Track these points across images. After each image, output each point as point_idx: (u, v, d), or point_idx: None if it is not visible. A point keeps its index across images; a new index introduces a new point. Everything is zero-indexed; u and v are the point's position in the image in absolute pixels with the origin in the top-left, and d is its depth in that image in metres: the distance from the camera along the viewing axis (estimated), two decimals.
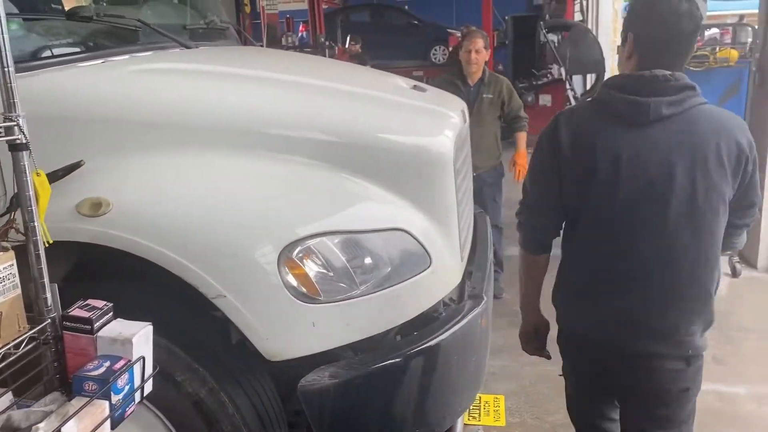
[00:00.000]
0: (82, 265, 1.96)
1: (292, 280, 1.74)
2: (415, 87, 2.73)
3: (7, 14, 2.06)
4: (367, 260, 1.87)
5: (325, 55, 9.19)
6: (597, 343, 1.88)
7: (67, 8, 2.25)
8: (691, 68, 4.23)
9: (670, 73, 1.68)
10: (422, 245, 1.97)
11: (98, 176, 1.78)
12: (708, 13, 9.61)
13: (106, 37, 2.41)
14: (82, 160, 1.74)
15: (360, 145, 1.97)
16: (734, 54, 4.20)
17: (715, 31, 4.42)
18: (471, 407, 3.05)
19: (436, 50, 15.29)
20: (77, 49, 2.17)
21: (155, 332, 1.75)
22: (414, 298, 1.96)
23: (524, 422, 2.97)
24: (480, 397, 3.15)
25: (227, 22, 3.30)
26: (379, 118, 2.13)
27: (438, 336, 1.99)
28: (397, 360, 1.90)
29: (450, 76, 4.24)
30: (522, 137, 4.36)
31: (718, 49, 4.22)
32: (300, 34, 14.21)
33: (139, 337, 1.22)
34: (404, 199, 1.98)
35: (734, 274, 4.62)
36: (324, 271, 1.79)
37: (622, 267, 1.77)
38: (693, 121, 1.68)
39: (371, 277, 1.85)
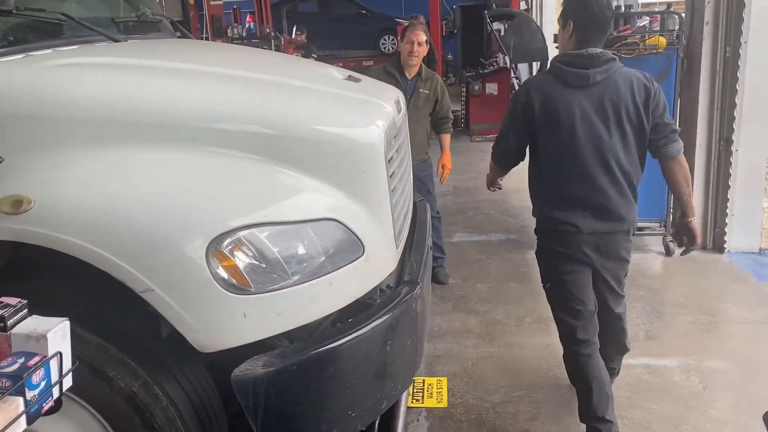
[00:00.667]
0: (16, 262, 1.93)
1: (222, 272, 1.75)
2: (349, 77, 2.75)
3: None
4: (300, 250, 1.89)
5: (270, 47, 9.12)
6: (574, 227, 2.60)
7: None
8: (622, 55, 4.35)
9: (600, 50, 2.52)
10: (355, 234, 2.00)
11: (19, 174, 1.75)
12: (640, 1, 9.88)
13: (28, 31, 2.36)
14: (1, 158, 1.71)
15: (291, 137, 1.99)
16: (663, 41, 4.34)
17: (645, 19, 4.55)
18: (414, 390, 3.12)
19: (385, 40, 15.33)
20: None
21: (86, 328, 1.77)
22: (348, 286, 1.99)
23: (466, 402, 3.04)
24: (423, 381, 3.21)
25: (160, 14, 3.26)
26: (310, 109, 2.15)
27: (372, 322, 2.03)
28: (331, 347, 1.93)
29: (390, 68, 4.26)
30: (447, 139, 4.47)
31: (647, 36, 4.35)
32: (247, 25, 14.01)
33: (55, 333, 1.22)
34: (336, 189, 2.01)
35: (668, 252, 4.80)
36: (254, 262, 1.80)
37: (583, 182, 2.56)
38: (615, 81, 2.50)
39: (304, 267, 1.87)
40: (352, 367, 2.01)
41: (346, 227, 1.98)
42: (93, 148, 1.80)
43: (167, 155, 1.85)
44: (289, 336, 1.99)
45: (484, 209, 6.22)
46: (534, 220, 2.82)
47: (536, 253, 2.84)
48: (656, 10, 5.13)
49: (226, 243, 1.76)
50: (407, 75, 4.18)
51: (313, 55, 10.01)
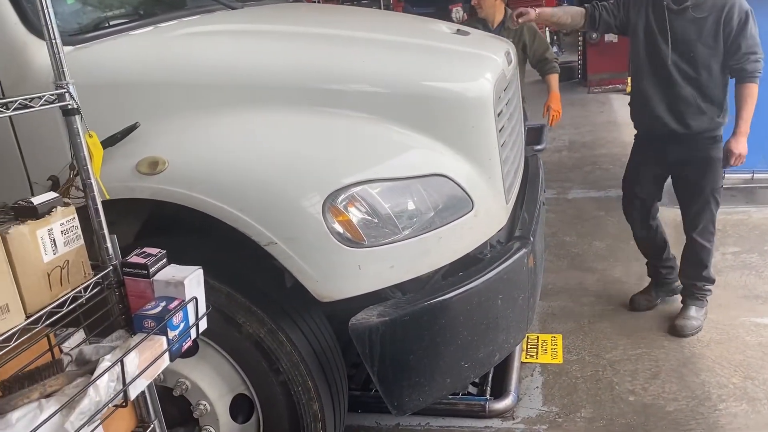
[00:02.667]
0: (155, 220, 2.13)
1: (338, 227, 1.83)
2: (458, 31, 2.73)
3: None
4: (410, 206, 1.94)
5: (380, 5, 9.13)
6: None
7: None
8: None
9: None
10: (464, 190, 2.01)
11: (154, 137, 1.90)
12: None
13: (155, 4, 2.53)
14: (137, 122, 1.87)
15: (400, 95, 2.02)
16: None
17: None
18: (528, 347, 3.12)
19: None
20: (128, 19, 2.30)
21: (218, 279, 1.92)
22: (457, 241, 2.02)
23: (582, 359, 3.00)
24: (538, 337, 3.20)
25: None
26: (417, 66, 2.16)
27: (481, 276, 2.06)
28: (442, 299, 1.98)
29: (473, 21, 4.22)
30: (553, 79, 4.24)
31: None
32: None
33: (190, 280, 1.34)
34: (445, 145, 2.03)
35: None
36: (367, 217, 1.87)
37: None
38: None
39: (414, 222, 1.92)
40: (464, 319, 2.05)
41: (456, 183, 2.00)
42: (219, 111, 1.92)
43: (286, 116, 1.95)
44: (401, 288, 2.07)
45: (603, 164, 5.97)
46: None
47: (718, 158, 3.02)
48: None
49: (340, 199, 1.84)
50: (490, 25, 4.10)
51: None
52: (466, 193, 2.00)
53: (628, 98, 3.23)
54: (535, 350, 3.11)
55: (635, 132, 3.22)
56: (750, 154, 4.42)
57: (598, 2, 3.12)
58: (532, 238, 2.32)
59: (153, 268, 1.33)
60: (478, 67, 2.25)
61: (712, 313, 3.23)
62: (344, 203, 1.85)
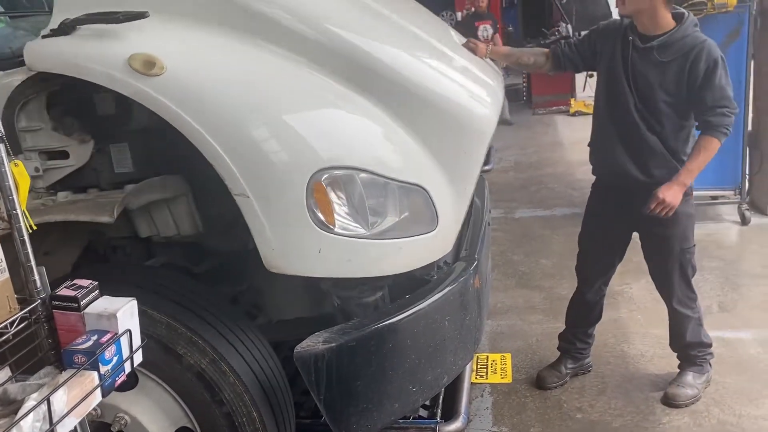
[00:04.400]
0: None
1: (314, 204, 1.77)
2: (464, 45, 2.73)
3: None
4: (385, 207, 1.90)
5: None
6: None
7: None
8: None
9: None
10: (435, 208, 1.99)
11: (160, 35, 1.79)
12: None
13: None
14: (147, 12, 1.73)
15: (418, 97, 1.97)
16: None
17: None
18: (478, 367, 3.13)
19: (443, 15, 15.09)
20: None
21: (157, 309, 1.86)
22: (413, 255, 2.01)
23: (531, 378, 3.03)
24: (487, 357, 3.22)
25: None
26: (445, 78, 2.14)
27: (429, 298, 2.05)
28: (389, 322, 1.96)
29: None
30: None
31: None
32: None
33: (124, 312, 1.29)
34: (435, 161, 1.99)
35: (743, 221, 4.59)
36: (345, 204, 1.83)
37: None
38: None
39: (382, 224, 1.89)
40: (411, 343, 2.03)
41: (431, 199, 1.97)
42: (242, 38, 1.84)
43: (310, 77, 1.88)
44: (345, 313, 2.06)
45: (548, 183, 6.11)
46: None
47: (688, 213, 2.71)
48: None
49: (328, 177, 1.78)
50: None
51: None
52: (436, 213, 1.99)
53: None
54: (485, 370, 3.12)
55: (593, 178, 2.89)
56: (704, 173, 4.63)
57: (561, 41, 2.93)
58: (477, 259, 2.34)
59: (84, 301, 1.28)
60: (491, 97, 2.26)
61: (655, 329, 3.30)
62: (330, 183, 1.79)
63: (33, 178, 2.08)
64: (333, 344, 1.89)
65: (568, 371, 3.00)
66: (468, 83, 2.22)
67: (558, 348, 3.07)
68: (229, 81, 1.79)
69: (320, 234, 1.77)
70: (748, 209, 4.56)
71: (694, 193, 4.61)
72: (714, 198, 4.82)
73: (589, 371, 3.05)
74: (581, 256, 2.98)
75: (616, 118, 2.67)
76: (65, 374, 1.19)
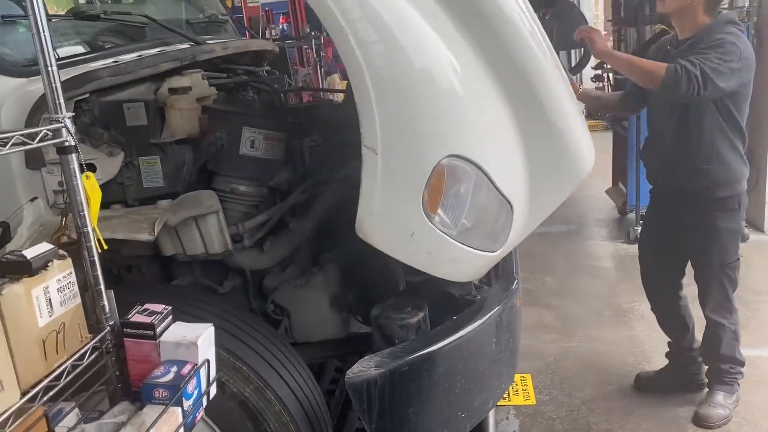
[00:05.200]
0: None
1: (430, 186, 1.68)
2: None
3: (16, 16, 2.03)
4: (476, 210, 1.80)
5: (311, 46, 9.08)
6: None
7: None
8: None
9: None
10: (509, 230, 1.91)
11: None
12: None
13: (113, 35, 2.35)
14: None
15: (551, 124, 1.83)
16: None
17: None
18: None
19: None
20: (86, 50, 2.12)
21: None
22: (469, 268, 1.94)
23: (555, 399, 2.96)
24: None
25: (226, 14, 3.25)
26: (573, 113, 1.96)
27: (479, 319, 1.97)
28: (442, 345, 1.87)
29: None
30: None
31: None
32: (281, 26, 14.01)
33: (203, 340, 1.18)
34: (531, 186, 1.88)
35: (742, 238, 4.62)
36: (453, 197, 1.74)
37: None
38: None
39: (466, 229, 1.79)
40: (462, 366, 1.94)
41: (511, 221, 1.87)
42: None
43: (473, 65, 1.75)
44: (386, 335, 1.96)
45: None
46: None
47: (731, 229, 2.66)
48: None
49: (451, 163, 1.69)
50: None
51: None
52: (508, 234, 1.90)
53: None
54: (507, 392, 3.03)
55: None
56: None
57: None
58: (517, 278, 2.27)
59: (159, 328, 1.16)
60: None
61: None
62: (450, 171, 1.70)
63: (55, 193, 1.96)
64: (386, 369, 1.79)
65: (668, 380, 2.96)
66: (584, 127, 2.07)
67: (666, 355, 3.03)
68: (410, 35, 1.67)
69: (421, 218, 1.69)
70: (746, 226, 4.60)
71: None
72: None
73: (701, 388, 2.91)
74: (642, 267, 3.02)
75: (660, 122, 2.71)
76: (148, 411, 1.06)
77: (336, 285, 2.40)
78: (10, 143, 0.96)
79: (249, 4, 10.93)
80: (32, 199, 1.90)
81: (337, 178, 2.26)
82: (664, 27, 4.37)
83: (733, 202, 2.61)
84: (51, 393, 1.00)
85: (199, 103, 2.14)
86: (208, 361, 1.19)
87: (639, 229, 4.68)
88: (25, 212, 1.87)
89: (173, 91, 2.03)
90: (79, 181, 1.10)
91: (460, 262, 1.86)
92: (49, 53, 1.05)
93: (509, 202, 1.82)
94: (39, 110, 1.82)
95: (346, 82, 3.22)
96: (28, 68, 1.90)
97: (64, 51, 2.15)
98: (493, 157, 1.78)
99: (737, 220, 2.67)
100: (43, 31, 1.04)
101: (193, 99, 2.05)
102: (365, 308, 2.52)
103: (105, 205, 1.97)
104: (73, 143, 1.08)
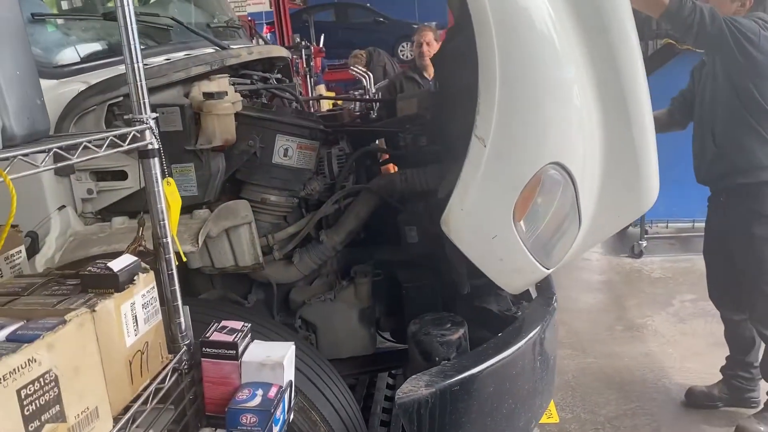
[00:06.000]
0: None
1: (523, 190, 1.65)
2: None
3: (47, 15, 1.92)
4: (554, 224, 1.77)
5: (301, 56, 9.01)
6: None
7: None
8: (697, 50, 4.23)
9: None
10: (570, 248, 1.85)
11: None
12: None
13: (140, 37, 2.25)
14: None
15: (636, 152, 1.77)
16: None
17: None
18: None
19: (403, 47, 15.22)
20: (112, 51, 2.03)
21: None
22: (525, 280, 1.92)
23: (578, 417, 2.90)
24: None
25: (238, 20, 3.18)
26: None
27: (526, 337, 1.91)
28: (491, 364, 1.80)
29: (409, 72, 4.33)
30: None
31: None
32: (265, 35, 13.94)
33: (288, 360, 1.09)
34: (596, 209, 1.83)
35: None
36: (541, 206, 1.70)
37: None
38: None
39: (536, 239, 1.75)
40: (509, 386, 1.88)
41: (575, 239, 1.83)
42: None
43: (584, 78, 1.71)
44: (425, 352, 1.89)
45: None
46: None
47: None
48: None
49: (548, 172, 1.65)
50: (427, 75, 4.18)
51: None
52: (566, 252, 1.85)
53: None
54: None
55: None
56: (691, 203, 4.67)
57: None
58: (555, 293, 2.21)
59: (241, 347, 1.07)
60: None
61: (690, 362, 3.25)
62: (545, 179, 1.66)
63: (83, 201, 1.86)
64: (436, 389, 1.72)
65: (722, 396, 2.89)
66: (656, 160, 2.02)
67: (720, 370, 2.96)
68: (545, 38, 1.65)
69: (508, 222, 1.65)
70: None
71: (694, 224, 4.83)
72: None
73: (753, 407, 2.83)
74: (708, 274, 2.98)
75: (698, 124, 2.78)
76: None
77: (366, 299, 2.33)
78: (105, 145, 0.87)
79: (237, 13, 10.81)
80: (60, 208, 1.79)
81: (370, 188, 2.20)
82: (670, 41, 4.39)
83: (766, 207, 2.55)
84: (140, 419, 0.90)
85: None
86: (291, 383, 1.10)
87: (644, 243, 4.71)
88: (53, 221, 1.76)
89: (209, 95, 1.94)
90: (160, 188, 1.01)
91: (521, 273, 1.81)
92: (135, 49, 0.97)
93: (580, 220, 1.76)
94: (70, 114, 1.73)
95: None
96: (59, 69, 1.80)
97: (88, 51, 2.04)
98: (584, 171, 1.73)
99: None
100: (131, 26, 0.96)
101: (229, 104, 1.96)
102: (395, 323, 2.46)
103: (131, 214, 1.91)
104: (157, 146, 0.99)
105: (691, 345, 3.44)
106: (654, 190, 1.88)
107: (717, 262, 2.85)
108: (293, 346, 1.12)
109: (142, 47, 2.09)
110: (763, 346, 2.78)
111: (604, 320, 3.84)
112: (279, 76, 2.99)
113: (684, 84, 4.37)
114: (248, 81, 2.55)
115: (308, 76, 9.02)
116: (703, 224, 4.70)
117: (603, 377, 3.21)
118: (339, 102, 5.69)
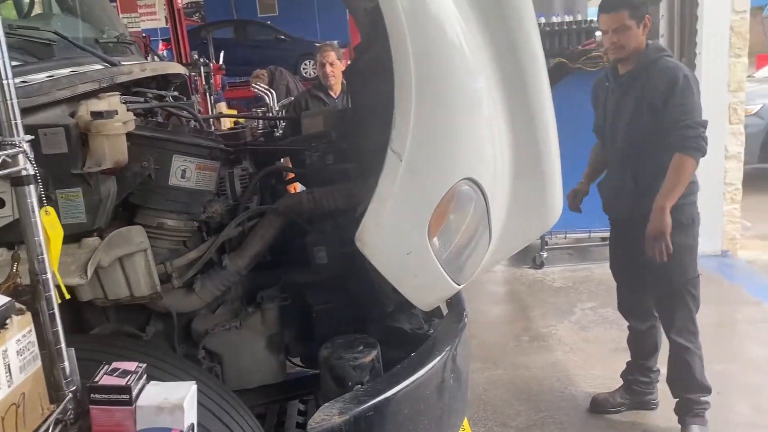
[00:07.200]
0: None
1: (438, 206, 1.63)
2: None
3: None
4: (465, 240, 1.75)
5: (200, 73, 8.77)
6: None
7: None
8: (587, 69, 4.46)
9: None
10: (480, 263, 1.84)
11: None
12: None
13: (17, 52, 2.08)
14: None
15: (540, 162, 1.80)
16: None
17: None
18: None
19: (306, 64, 15.17)
20: None
21: None
22: (437, 297, 1.91)
23: (490, 430, 2.92)
24: None
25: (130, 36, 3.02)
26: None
27: (441, 355, 1.89)
28: (405, 385, 1.77)
29: (314, 91, 4.36)
30: None
31: None
32: (161, 53, 13.48)
33: (189, 402, 1.00)
34: (511, 224, 1.85)
35: None
36: (454, 222, 1.68)
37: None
38: None
39: (449, 255, 1.73)
40: (424, 406, 1.86)
41: (486, 254, 1.83)
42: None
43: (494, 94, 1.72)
44: (338, 377, 1.84)
45: None
46: None
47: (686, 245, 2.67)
48: None
49: (461, 187, 1.64)
50: (333, 94, 4.23)
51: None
52: (476, 267, 1.84)
53: None
54: None
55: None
56: (587, 215, 4.87)
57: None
58: (466, 308, 2.22)
59: (135, 390, 0.97)
60: None
61: (594, 369, 3.36)
62: (459, 194, 1.64)
63: None
64: (350, 415, 1.66)
65: (623, 401, 2.98)
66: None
67: (620, 375, 3.04)
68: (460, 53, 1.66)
69: (422, 238, 1.62)
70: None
71: (590, 234, 5.04)
72: (605, 239, 5.10)
73: (652, 409, 2.97)
74: (618, 292, 3.04)
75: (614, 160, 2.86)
76: None
77: (273, 325, 2.24)
78: None
79: (130, 29, 10.39)
80: None
81: (275, 209, 2.12)
82: (562, 60, 4.60)
83: (692, 219, 2.67)
84: None
85: None
86: (193, 426, 1.01)
87: (544, 254, 4.87)
88: None
89: (97, 115, 1.80)
90: (37, 218, 0.91)
91: (435, 290, 1.80)
92: (5, 64, 0.86)
93: (491, 236, 1.77)
94: None
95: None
96: None
97: None
98: (494, 187, 1.74)
99: (692, 236, 2.68)
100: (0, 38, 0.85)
101: (120, 124, 1.83)
102: (305, 348, 2.37)
103: (12, 245, 1.73)
104: (32, 172, 0.89)
105: (593, 352, 3.56)
106: (558, 206, 1.92)
107: (626, 278, 2.94)
108: (194, 386, 1.03)
109: (19, 63, 1.95)
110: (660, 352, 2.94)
111: (512, 331, 3.91)
112: (176, 93, 2.86)
113: (577, 98, 4.59)
114: (142, 99, 2.41)
115: (208, 94, 8.81)
116: (599, 234, 5.00)
117: (513, 389, 3.26)
118: (241, 120, 5.57)
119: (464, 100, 1.66)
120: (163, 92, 2.66)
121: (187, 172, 1.98)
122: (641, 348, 2.97)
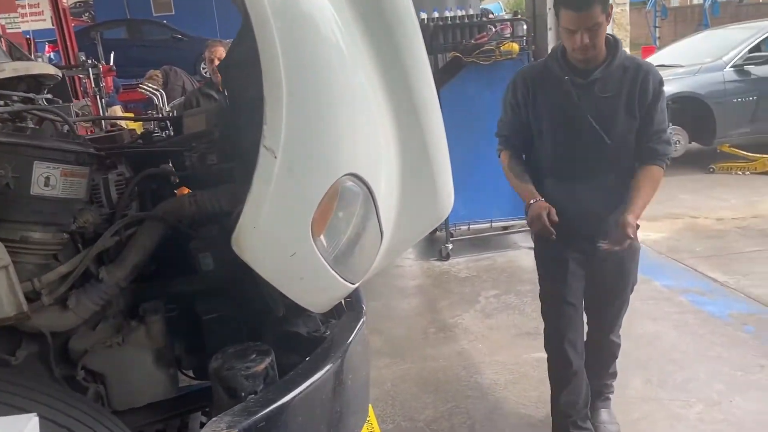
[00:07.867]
0: None
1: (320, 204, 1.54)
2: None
3: None
4: (354, 239, 1.68)
5: (89, 75, 8.31)
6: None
7: None
8: (481, 62, 4.53)
9: None
10: (374, 261, 1.78)
11: None
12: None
13: None
14: None
15: (429, 157, 1.76)
16: (515, 47, 4.57)
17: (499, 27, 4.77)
18: None
19: (204, 64, 14.75)
20: None
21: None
22: (329, 298, 1.83)
23: (398, 426, 2.90)
24: None
25: None
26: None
27: (336, 357, 1.83)
28: (299, 391, 1.70)
29: (205, 89, 4.24)
30: None
31: (502, 43, 4.56)
32: (48, 55, 12.70)
33: None
34: (403, 218, 1.79)
35: None
36: (339, 220, 1.61)
37: None
38: None
39: (338, 255, 1.66)
40: (320, 412, 1.79)
41: (378, 252, 1.78)
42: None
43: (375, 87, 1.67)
44: (229, 388, 1.75)
45: None
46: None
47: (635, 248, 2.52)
48: (506, 17, 5.40)
49: (345, 183, 1.56)
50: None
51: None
52: (370, 266, 1.80)
53: None
54: None
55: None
56: (488, 206, 4.98)
57: (500, 135, 2.57)
58: (365, 307, 2.17)
59: None
60: None
61: (498, 355, 3.41)
62: (343, 191, 1.57)
63: None
64: (239, 429, 1.57)
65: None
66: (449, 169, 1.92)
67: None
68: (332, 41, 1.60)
69: (306, 238, 1.53)
70: None
71: (492, 224, 5.15)
72: (505, 228, 5.23)
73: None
74: (559, 321, 2.59)
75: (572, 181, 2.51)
76: None
77: (160, 339, 2.11)
78: None
79: (8, 30, 9.73)
80: None
81: (155, 215, 1.99)
82: (457, 54, 4.65)
83: None
84: None
85: None
86: None
87: (450, 245, 4.93)
88: None
89: None
90: None
91: (326, 291, 1.73)
92: None
93: (382, 232, 1.72)
94: None
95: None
96: None
97: None
98: (380, 182, 1.68)
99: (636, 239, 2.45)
100: None
101: None
102: (197, 360, 2.25)
103: None
104: None
105: (498, 338, 3.62)
106: (450, 196, 1.91)
107: (589, 303, 2.62)
108: (35, 418, 0.92)
109: None
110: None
111: (420, 324, 3.92)
112: (49, 96, 2.65)
113: (472, 91, 4.64)
114: (2, 102, 2.21)
115: (99, 97, 8.36)
116: (499, 223, 5.10)
117: (420, 381, 3.26)
118: (133, 124, 5.29)
119: (341, 94, 1.60)
120: (32, 95, 2.46)
121: (51, 179, 1.82)
122: (579, 392, 2.57)
